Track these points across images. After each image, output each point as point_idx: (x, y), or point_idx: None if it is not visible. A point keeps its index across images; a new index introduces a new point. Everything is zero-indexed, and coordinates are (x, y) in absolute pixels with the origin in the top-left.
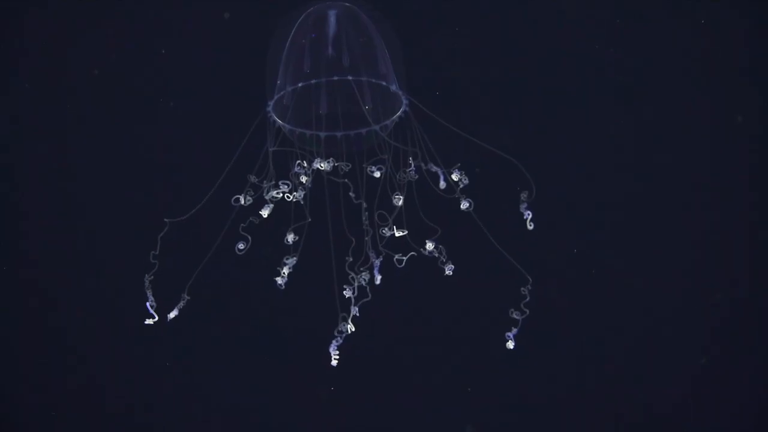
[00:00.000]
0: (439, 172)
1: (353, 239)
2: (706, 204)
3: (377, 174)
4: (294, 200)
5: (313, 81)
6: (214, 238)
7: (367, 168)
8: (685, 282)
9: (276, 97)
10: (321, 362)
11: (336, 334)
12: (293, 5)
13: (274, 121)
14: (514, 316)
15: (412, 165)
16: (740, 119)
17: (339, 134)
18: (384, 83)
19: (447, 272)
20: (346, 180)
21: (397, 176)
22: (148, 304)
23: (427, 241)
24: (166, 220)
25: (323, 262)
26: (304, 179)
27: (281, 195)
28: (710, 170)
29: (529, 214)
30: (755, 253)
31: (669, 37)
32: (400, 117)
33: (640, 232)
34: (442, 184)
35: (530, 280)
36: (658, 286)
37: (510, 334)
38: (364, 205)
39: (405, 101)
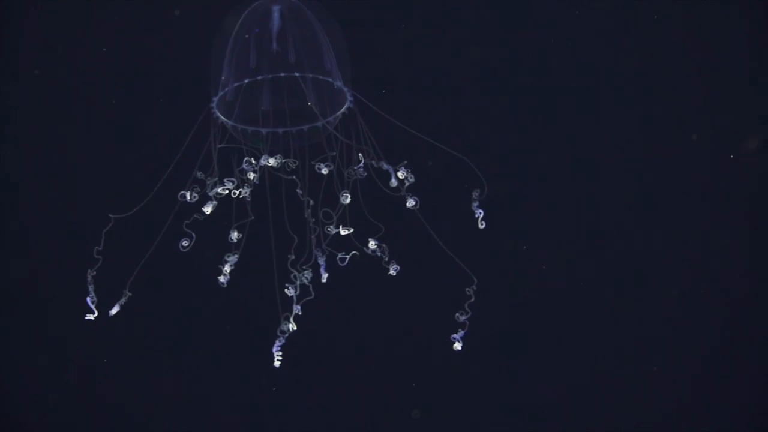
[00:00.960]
0: (390, 170)
1: (296, 237)
2: (657, 201)
3: (324, 171)
4: (240, 197)
5: (259, 77)
6: (158, 234)
7: (315, 165)
8: (637, 279)
9: (220, 94)
10: (263, 362)
11: (278, 333)
12: (239, 0)
13: (218, 118)
14: (460, 318)
15: (362, 162)
16: (695, 137)
17: (281, 131)
18: (329, 79)
19: (391, 272)
20: (294, 177)
21: (345, 173)
22: (88, 299)
23: (370, 239)
24: (110, 215)
25: (266, 260)
26: (251, 176)
27: (226, 192)
28: (663, 169)
29: (480, 213)
30: (715, 250)
31: (633, 34)
32: (344, 113)
33: (590, 229)
34: (393, 182)
35: (476, 280)
36: (609, 283)
37: (456, 336)
38: (311, 202)
39: (350, 97)
